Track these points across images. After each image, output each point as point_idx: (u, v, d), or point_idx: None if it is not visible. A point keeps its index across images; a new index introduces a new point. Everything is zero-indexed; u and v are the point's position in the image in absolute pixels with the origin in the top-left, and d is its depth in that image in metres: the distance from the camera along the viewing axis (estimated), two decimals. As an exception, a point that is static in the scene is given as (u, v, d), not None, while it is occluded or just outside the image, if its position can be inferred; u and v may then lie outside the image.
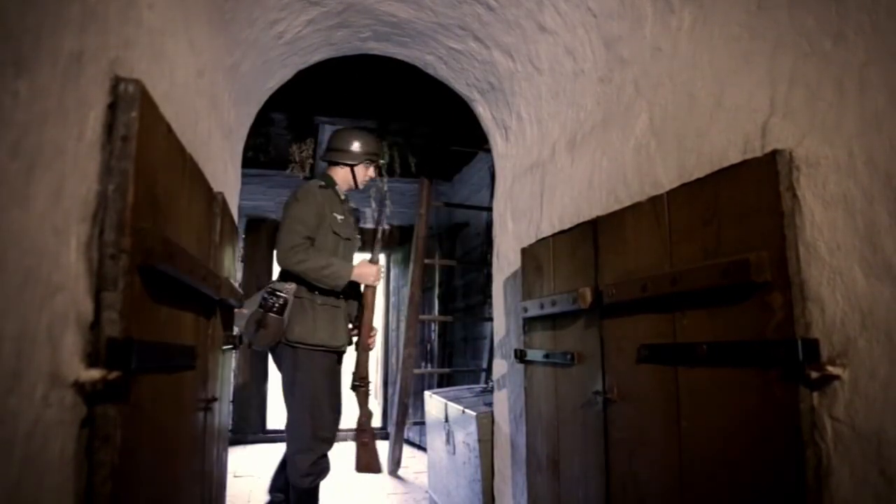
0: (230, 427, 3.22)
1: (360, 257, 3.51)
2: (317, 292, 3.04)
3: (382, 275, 3.16)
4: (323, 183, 3.15)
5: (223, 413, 2.70)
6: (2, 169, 0.76)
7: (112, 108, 1.13)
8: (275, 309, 2.86)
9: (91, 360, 1.05)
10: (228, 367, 2.91)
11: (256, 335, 2.91)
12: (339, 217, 3.11)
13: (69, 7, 0.94)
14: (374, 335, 3.26)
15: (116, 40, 1.17)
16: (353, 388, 3.20)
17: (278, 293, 2.88)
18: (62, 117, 0.94)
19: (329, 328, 3.04)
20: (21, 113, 0.80)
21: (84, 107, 1.03)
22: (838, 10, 1.30)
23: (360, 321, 3.25)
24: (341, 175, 3.26)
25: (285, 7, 2.86)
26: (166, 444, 1.55)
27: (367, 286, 3.18)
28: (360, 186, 3.31)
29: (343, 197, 3.21)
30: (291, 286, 3.00)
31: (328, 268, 2.91)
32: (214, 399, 2.22)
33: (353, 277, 3.01)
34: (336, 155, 3.25)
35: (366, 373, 3.19)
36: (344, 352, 3.22)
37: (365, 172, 3.28)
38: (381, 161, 3.20)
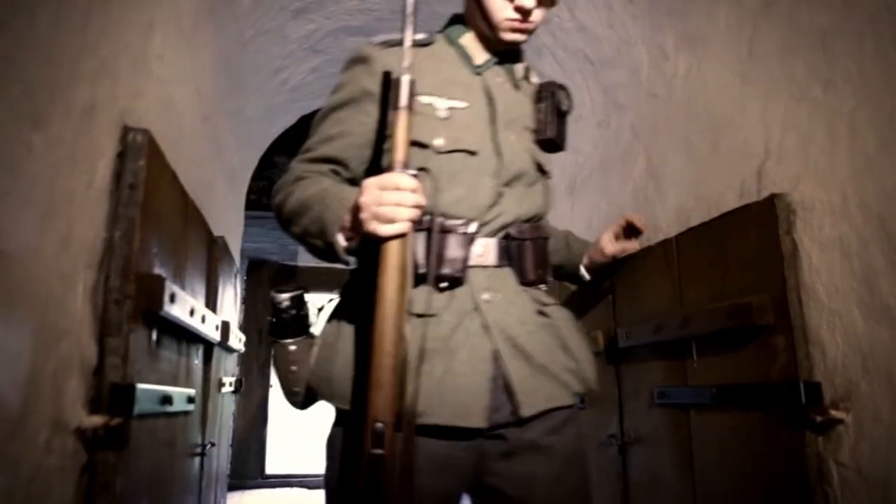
0: (228, 472, 3.14)
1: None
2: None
3: (412, 208, 0.95)
4: (422, 35, 1.22)
5: (221, 458, 2.66)
6: (14, 219, 0.78)
7: (121, 156, 1.16)
8: (276, 326, 1.21)
9: (93, 406, 1.05)
10: (228, 410, 2.88)
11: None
12: (452, 105, 1.18)
13: (84, 62, 0.98)
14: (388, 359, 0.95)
15: (126, 91, 1.21)
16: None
17: (278, 298, 1.22)
18: (73, 166, 0.96)
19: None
20: (34, 163, 0.82)
21: (94, 156, 1.05)
22: (826, 59, 1.34)
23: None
24: (475, 14, 1.23)
25: (289, 55, 2.94)
26: (164, 489, 1.53)
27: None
28: (503, 33, 1.19)
29: (482, 62, 1.25)
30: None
31: (307, 208, 1.11)
32: (212, 444, 2.20)
33: (348, 224, 1.02)
34: None
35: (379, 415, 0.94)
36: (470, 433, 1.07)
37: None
38: None
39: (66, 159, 0.93)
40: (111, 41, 1.10)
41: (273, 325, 1.22)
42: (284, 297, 1.21)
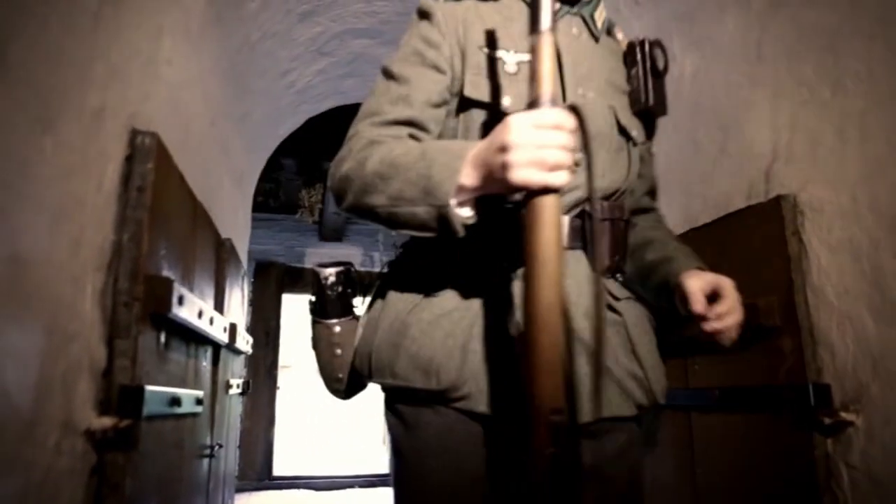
0: (236, 473, 3.14)
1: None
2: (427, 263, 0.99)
3: (565, 152, 0.74)
4: None
5: (229, 459, 2.67)
6: (26, 222, 0.78)
7: (129, 159, 1.17)
8: (319, 304, 1.08)
9: (103, 408, 1.06)
10: (235, 412, 2.89)
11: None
12: (521, 59, 0.97)
13: (94, 66, 0.99)
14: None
15: (136, 95, 1.22)
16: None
17: (323, 273, 1.08)
18: (83, 170, 0.97)
19: (439, 341, 0.90)
20: (46, 167, 0.83)
21: (104, 159, 1.06)
22: (835, 60, 1.33)
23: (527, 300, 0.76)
24: None
25: (296, 58, 2.95)
26: (172, 491, 1.54)
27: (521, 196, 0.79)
28: None
29: (557, 8, 0.94)
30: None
31: (399, 169, 0.87)
32: (220, 445, 2.21)
33: (468, 179, 0.80)
34: None
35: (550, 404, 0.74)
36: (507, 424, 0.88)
37: None
38: None
39: (76, 163, 0.94)
40: (121, 46, 1.11)
41: (315, 303, 1.08)
42: (330, 272, 1.07)
